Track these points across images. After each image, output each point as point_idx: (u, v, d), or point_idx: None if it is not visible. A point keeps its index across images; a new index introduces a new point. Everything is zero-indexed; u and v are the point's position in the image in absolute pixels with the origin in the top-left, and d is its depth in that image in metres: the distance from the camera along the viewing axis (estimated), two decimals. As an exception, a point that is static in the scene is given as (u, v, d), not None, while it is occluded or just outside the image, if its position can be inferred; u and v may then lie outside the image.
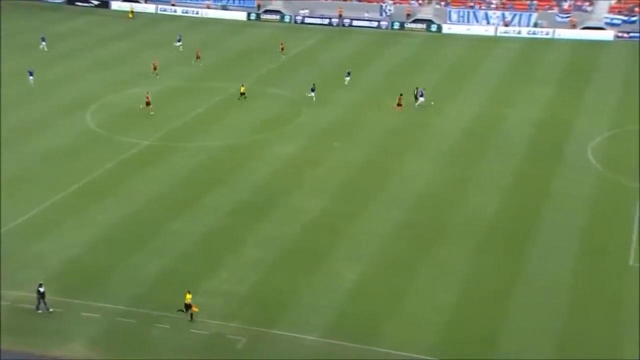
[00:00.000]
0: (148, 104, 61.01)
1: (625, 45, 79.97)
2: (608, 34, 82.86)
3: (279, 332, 34.48)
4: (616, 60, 75.11)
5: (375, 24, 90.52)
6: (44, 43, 78.95)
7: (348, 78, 68.12)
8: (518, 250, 40.92)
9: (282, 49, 78.69)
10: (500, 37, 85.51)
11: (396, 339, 33.92)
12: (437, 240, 42.11)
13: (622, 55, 76.79)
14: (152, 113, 60.37)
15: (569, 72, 71.53)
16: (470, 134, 57.14)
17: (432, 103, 61.98)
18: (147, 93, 62.15)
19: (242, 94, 64.08)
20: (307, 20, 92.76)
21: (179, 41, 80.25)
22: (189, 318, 35.08)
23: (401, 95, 61.79)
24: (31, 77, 67.74)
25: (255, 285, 38.17)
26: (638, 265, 38.95)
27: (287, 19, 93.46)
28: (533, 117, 59.86)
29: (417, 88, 63.02)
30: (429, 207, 46.01)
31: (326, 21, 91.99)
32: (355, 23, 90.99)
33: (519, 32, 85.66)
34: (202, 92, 66.94)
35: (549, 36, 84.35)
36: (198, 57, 75.19)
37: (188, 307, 35.16)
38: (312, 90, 64.49)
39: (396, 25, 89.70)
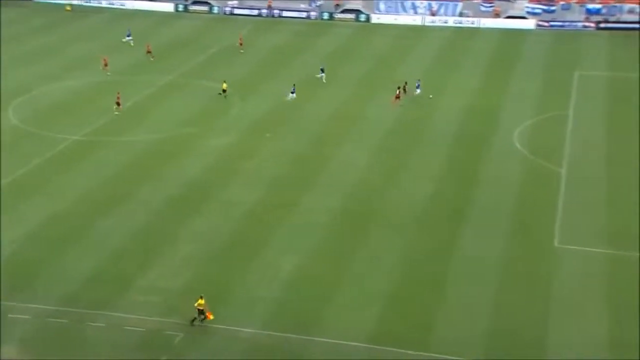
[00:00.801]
0: (118, 104, 59.05)
1: (546, 34, 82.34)
2: (530, 23, 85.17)
3: (216, 326, 34.30)
4: (538, 49, 77.26)
5: (304, 14, 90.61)
6: None
7: (323, 75, 66.41)
8: (451, 234, 41.81)
9: (241, 44, 77.27)
10: (427, 26, 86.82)
11: (335, 328, 34.20)
12: (372, 228, 42.61)
13: (543, 43, 79.03)
14: (116, 113, 58.63)
15: (494, 61, 73.24)
16: (402, 122, 57.92)
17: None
18: (118, 93, 60.21)
19: (224, 90, 62.56)
20: (236, 11, 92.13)
21: (128, 36, 78.13)
22: (191, 320, 34.19)
23: (399, 88, 61.25)
24: None
25: (191, 280, 37.84)
26: (563, 245, 40.33)
27: (215, 10, 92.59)
28: (461, 105, 61.09)
29: (405, 82, 62.47)
30: (364, 196, 46.49)
31: (255, 12, 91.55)
32: (284, 14, 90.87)
33: (446, 22, 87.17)
34: (131, 85, 65.77)
35: (475, 25, 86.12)
36: (149, 52, 73.47)
37: (201, 312, 34.11)
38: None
39: (325, 16, 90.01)
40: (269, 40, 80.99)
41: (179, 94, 63.67)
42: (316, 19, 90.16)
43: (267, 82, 66.83)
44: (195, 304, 34.04)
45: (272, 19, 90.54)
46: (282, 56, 74.54)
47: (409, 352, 32.41)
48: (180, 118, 58.55)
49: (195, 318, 34.16)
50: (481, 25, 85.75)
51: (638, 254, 39.16)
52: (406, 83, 62.33)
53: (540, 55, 75.13)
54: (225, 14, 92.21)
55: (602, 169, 49.30)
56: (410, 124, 57.63)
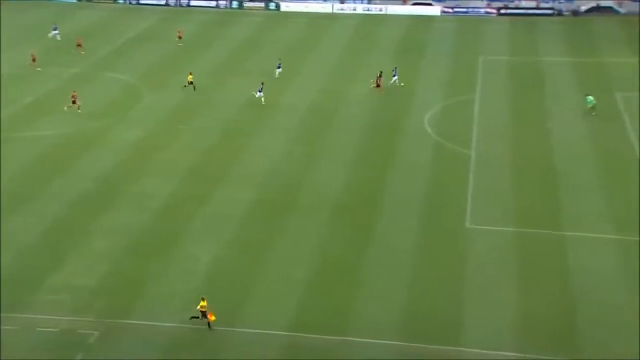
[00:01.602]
0: (74, 102, 56.66)
1: (451, 20, 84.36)
2: (435, 10, 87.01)
3: (134, 322, 33.80)
4: (444, 35, 79.09)
5: (213, 3, 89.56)
6: None
7: (279, 70, 65.13)
8: (366, 219, 42.47)
9: (180, 37, 75.14)
10: (337, 14, 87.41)
11: (256, 317, 34.28)
12: (289, 217, 42.80)
13: (448, 29, 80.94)
14: (79, 111, 56.34)
15: (403, 47, 74.48)
16: (315, 110, 58.27)
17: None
18: (74, 91, 57.73)
19: (190, 82, 61.00)
20: (143, 1, 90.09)
21: (55, 30, 74.93)
22: (207, 326, 33.26)
23: (379, 76, 61.39)
24: None
25: (105, 276, 37.11)
26: (474, 226, 41.66)
27: (121, 0, 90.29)
28: (373, 91, 61.90)
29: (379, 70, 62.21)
30: (279, 185, 46.60)
31: (162, 1, 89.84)
32: (193, 3, 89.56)
33: (355, 9, 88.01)
34: (34, 79, 63.47)
35: (383, 12, 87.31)
36: (79, 45, 70.80)
37: (204, 314, 33.24)
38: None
39: (235, 5, 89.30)
40: (176, 31, 79.54)
41: (87, 87, 61.92)
42: (226, 8, 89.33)
43: (178, 73, 65.80)
44: (198, 307, 33.31)
45: (180, 8, 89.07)
46: (192, 46, 73.48)
47: (328, 337, 32.85)
48: (90, 111, 56.98)
49: (196, 317, 33.35)
50: (389, 12, 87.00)
51: (543, 231, 40.88)
52: (380, 75, 62.01)
53: (446, 41, 76.94)
54: (131, 3, 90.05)
55: (508, 150, 51.08)
56: (323, 112, 58.04)
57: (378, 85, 61.40)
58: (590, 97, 56.03)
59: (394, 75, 62.37)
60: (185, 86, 61.25)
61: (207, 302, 33.36)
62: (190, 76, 61.60)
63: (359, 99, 60.43)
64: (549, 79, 64.14)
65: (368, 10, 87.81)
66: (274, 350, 32.32)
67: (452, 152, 51.11)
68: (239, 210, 43.35)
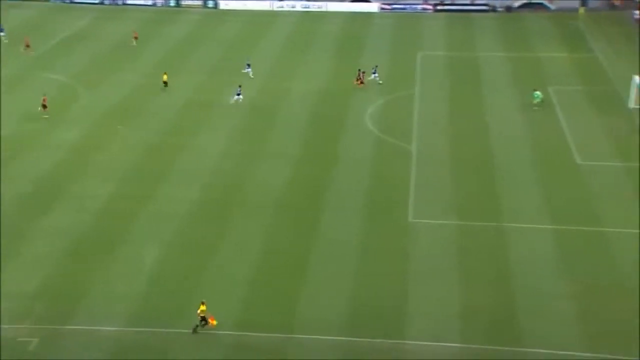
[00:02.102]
0: (44, 106, 54.90)
1: (389, 17, 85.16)
2: (373, 6, 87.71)
3: (75, 327, 33.19)
4: (383, 31, 79.82)
5: (150, 1, 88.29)
6: None
7: (249, 69, 64.29)
8: (310, 215, 42.62)
9: (136, 38, 73.45)
10: (276, 11, 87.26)
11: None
12: (233, 215, 42.64)
13: (387, 26, 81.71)
14: (46, 116, 54.69)
15: (343, 44, 74.88)
16: (256, 108, 58.10)
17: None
18: (44, 95, 55.94)
19: (165, 82, 60.12)
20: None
21: (1, 31, 72.39)
22: (194, 328, 32.58)
23: (363, 72, 61.37)
24: None
25: (45, 281, 36.32)
26: (416, 220, 42.28)
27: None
28: (314, 88, 62.08)
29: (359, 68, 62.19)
30: (222, 183, 46.35)
31: (97, 0, 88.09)
32: (129, 1, 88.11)
33: (294, 6, 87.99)
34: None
35: (322, 9, 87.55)
36: (28, 46, 68.59)
37: (204, 319, 32.38)
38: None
39: (172, 3, 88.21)
40: (114, 30, 78.25)
41: (21, 88, 60.33)
42: (162, 6, 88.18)
43: (116, 72, 64.77)
44: (198, 311, 32.63)
45: (116, 6, 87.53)
46: (129, 46, 72.32)
47: (275, 335, 32.88)
48: (25, 112, 55.56)
49: (197, 325, 32.60)
50: (328, 9, 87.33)
51: (483, 223, 41.75)
52: (363, 71, 62.04)
53: (385, 37, 77.67)
54: (64, 2, 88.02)
55: (448, 144, 51.96)
56: (265, 109, 57.94)
57: (362, 82, 61.58)
58: (538, 92, 57.46)
59: (374, 73, 62.63)
60: (164, 85, 60.52)
61: (200, 305, 32.77)
62: (165, 76, 61.01)
63: (300, 96, 60.52)
64: (485, 74, 65.46)
65: (307, 7, 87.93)
66: (220, 350, 32.17)
67: (394, 147, 51.70)
68: (182, 210, 42.97)
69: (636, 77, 56.47)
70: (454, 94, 61.26)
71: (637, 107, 55.67)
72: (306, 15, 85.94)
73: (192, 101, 59.11)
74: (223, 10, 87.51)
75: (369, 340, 32.73)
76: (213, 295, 35.51)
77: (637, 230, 40.44)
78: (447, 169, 48.28)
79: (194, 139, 52.37)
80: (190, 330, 32.72)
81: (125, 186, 45.60)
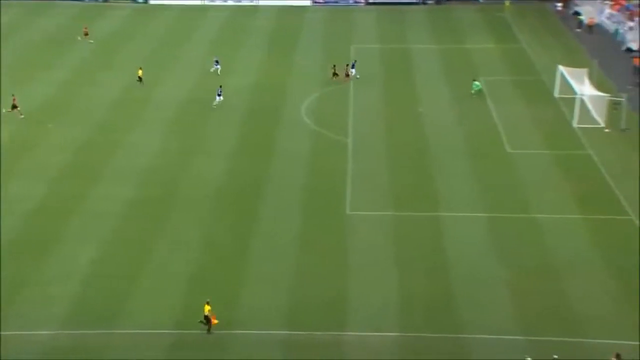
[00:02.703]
0: (14, 106, 52.95)
1: (322, 10, 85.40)
2: (306, 0, 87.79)
3: (7, 333, 32.18)
4: (316, 25, 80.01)
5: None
6: None
7: (218, 67, 63.38)
8: (249, 209, 42.54)
9: (86, 34, 71.34)
10: (208, 5, 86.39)
11: (140, 317, 33.58)
12: (169, 212, 42.19)
13: (320, 19, 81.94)
14: (21, 116, 52.76)
15: (276, 37, 74.77)
16: (191, 103, 57.55)
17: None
18: (13, 95, 53.87)
19: (139, 78, 59.21)
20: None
21: None
22: (207, 331, 32.16)
23: (347, 64, 61.53)
24: None
25: (-24, 286, 35.23)
26: (354, 212, 42.67)
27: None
28: (249, 82, 61.86)
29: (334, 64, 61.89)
30: (158, 180, 45.79)
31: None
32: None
33: (226, 1, 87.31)
34: None
35: (254, 3, 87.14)
36: None
37: (207, 319, 32.10)
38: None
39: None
40: (41, 25, 76.17)
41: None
42: (91, 1, 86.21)
43: (43, 69, 63.09)
44: (205, 312, 32.25)
45: (41, 2, 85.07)
46: (55, 42, 70.52)
47: (215, 332, 32.71)
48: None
49: (202, 321, 32.46)
50: (260, 3, 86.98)
51: (419, 213, 42.45)
52: (347, 64, 62.19)
53: (318, 31, 77.89)
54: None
55: (383, 136, 52.54)
56: (200, 105, 57.44)
57: (347, 75, 61.68)
58: (477, 82, 58.64)
59: (352, 67, 62.74)
60: (139, 81, 59.79)
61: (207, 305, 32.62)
62: (140, 71, 60.04)
63: (234, 91, 60.16)
64: (417, 66, 66.41)
65: (239, 1, 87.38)
66: (159, 350, 31.74)
67: (330, 140, 51.98)
68: (117, 209, 42.28)
69: (560, 67, 58.26)
70: (387, 85, 61.96)
71: (563, 96, 57.44)
72: (238, 9, 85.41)
73: (124, 98, 58.10)
74: (153, 5, 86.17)
75: (309, 333, 32.87)
76: (152, 294, 35.17)
77: (565, 216, 41.80)
78: (383, 161, 48.85)
79: (127, 136, 51.54)
80: (206, 331, 32.52)
81: (57, 186, 44.58)
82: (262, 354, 31.56)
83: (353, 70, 62.78)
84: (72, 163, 47.51)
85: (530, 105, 57.42)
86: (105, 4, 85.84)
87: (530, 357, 30.35)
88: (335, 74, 61.74)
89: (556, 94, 58.41)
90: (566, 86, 56.82)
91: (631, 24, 70.13)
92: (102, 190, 44.22)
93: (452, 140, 51.76)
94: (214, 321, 32.54)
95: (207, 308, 32.62)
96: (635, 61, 62.99)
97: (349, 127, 53.80)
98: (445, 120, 54.97)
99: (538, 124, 54.02)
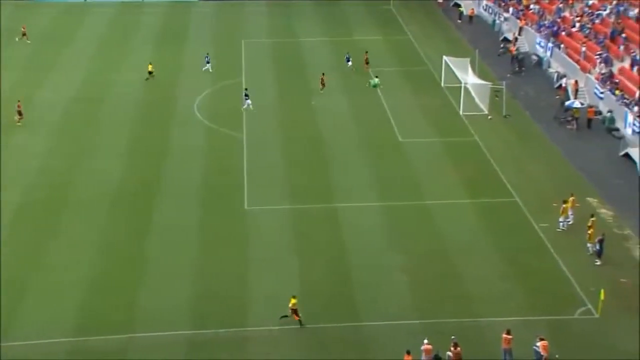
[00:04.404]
0: (20, 112, 50.25)
1: (210, 5, 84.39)
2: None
3: None
4: (205, 20, 79.11)
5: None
6: None
7: (209, 65, 61.77)
8: (146, 208, 41.90)
9: (24, 34, 67.59)
10: (90, 2, 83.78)
11: (32, 327, 32.49)
12: (62, 216, 40.97)
13: (209, 14, 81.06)
14: (19, 124, 49.78)
15: (165, 33, 73.51)
16: (79, 103, 55.88)
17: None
18: (19, 101, 50.84)
19: (150, 72, 58.02)
20: None
21: None
22: (299, 324, 32.72)
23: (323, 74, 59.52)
24: None
25: None
26: (252, 207, 42.72)
27: None
28: (138, 81, 60.58)
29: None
30: (48, 183, 44.33)
31: None
32: None
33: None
34: None
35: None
36: None
37: (294, 311, 32.59)
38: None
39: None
40: None
41: None
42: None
43: None
44: (290, 305, 32.70)
45: None
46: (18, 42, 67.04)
47: (115, 337, 32.07)
48: None
49: (286, 315, 32.92)
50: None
51: (316, 205, 42.98)
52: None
53: (208, 26, 77.14)
54: None
55: (278, 130, 52.78)
56: (88, 104, 55.85)
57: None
58: (377, 79, 59.41)
59: (348, 61, 63.05)
60: (147, 79, 58.78)
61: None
62: (150, 66, 59.64)
63: (125, 89, 58.85)
64: (308, 59, 66.98)
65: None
66: (60, 356, 30.86)
67: (225, 136, 51.73)
68: (5, 215, 40.57)
69: (445, 57, 60.27)
70: (280, 79, 62.20)
71: (449, 85, 59.48)
72: (124, 5, 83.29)
73: (4, 98, 55.59)
74: (35, 2, 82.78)
75: (213, 331, 32.76)
76: (44, 303, 34.03)
77: (455, 201, 43.45)
78: (278, 155, 49.09)
79: (9, 139, 49.45)
80: (280, 318, 32.96)
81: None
82: (164, 355, 31.17)
83: (349, 63, 63.15)
84: (-48, 170, 45.22)
85: (419, 94, 59.11)
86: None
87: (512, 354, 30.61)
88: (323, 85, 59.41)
89: (443, 83, 60.40)
90: (452, 75, 58.86)
91: (506, 14, 73.27)
92: (-14, 197, 42.34)
93: (346, 131, 52.62)
94: (296, 317, 32.88)
95: (293, 301, 32.77)
96: (511, 50, 65.91)
97: (244, 122, 53.71)
98: (339, 112, 55.79)
99: (427, 113, 55.72)
